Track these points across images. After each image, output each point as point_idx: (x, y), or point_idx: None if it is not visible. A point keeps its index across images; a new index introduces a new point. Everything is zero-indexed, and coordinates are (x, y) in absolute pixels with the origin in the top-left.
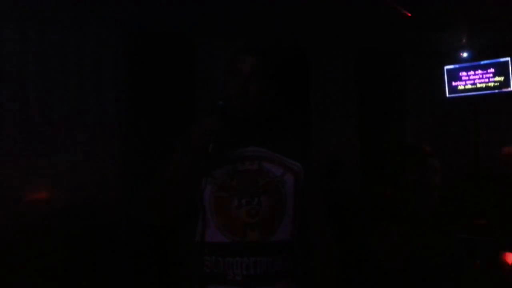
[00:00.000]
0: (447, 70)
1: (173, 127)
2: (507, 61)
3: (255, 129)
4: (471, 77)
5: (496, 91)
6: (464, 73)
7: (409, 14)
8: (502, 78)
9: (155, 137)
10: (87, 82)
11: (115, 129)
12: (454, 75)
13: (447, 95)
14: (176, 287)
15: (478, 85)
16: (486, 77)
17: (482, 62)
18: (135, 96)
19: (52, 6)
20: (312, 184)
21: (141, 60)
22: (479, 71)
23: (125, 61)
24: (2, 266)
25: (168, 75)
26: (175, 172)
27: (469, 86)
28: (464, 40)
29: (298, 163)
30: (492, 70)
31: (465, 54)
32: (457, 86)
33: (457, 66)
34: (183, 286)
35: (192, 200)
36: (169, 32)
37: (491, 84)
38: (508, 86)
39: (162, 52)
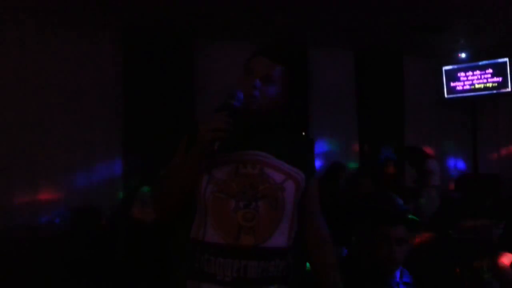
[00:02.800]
0: (446, 70)
1: (172, 127)
2: (505, 62)
3: (261, 132)
4: (470, 77)
5: (495, 91)
6: (462, 74)
7: None
8: (500, 79)
9: (154, 137)
10: (85, 84)
11: (114, 129)
12: (453, 76)
13: (446, 95)
14: (167, 280)
15: (477, 86)
16: (484, 78)
17: (480, 63)
18: (133, 97)
19: (52, 6)
20: (312, 190)
21: (140, 60)
22: (478, 72)
23: (124, 61)
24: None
25: (166, 75)
26: (180, 167)
27: (467, 87)
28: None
29: (301, 171)
30: (490, 70)
31: (463, 55)
32: (455, 86)
33: (455, 66)
34: (173, 281)
35: (192, 196)
36: (169, 32)
37: (490, 85)
38: (507, 86)
39: (161, 52)
